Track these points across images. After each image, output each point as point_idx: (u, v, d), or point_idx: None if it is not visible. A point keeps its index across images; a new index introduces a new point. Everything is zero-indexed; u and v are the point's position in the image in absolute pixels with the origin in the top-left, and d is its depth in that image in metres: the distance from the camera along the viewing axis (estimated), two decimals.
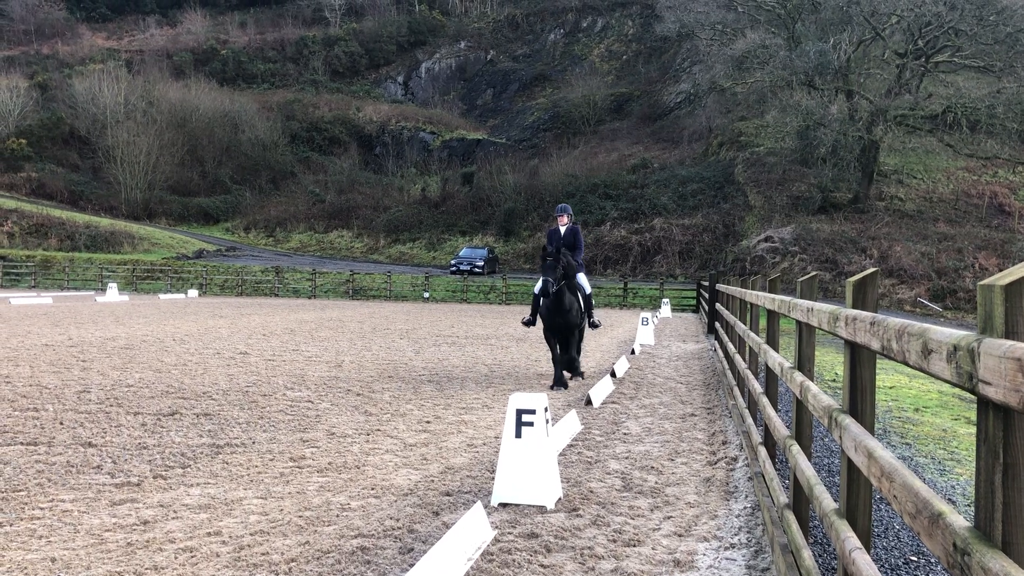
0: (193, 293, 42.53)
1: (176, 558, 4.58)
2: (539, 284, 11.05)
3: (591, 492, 6.10)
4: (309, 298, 43.16)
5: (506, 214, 55.17)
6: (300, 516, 5.38)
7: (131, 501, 5.58)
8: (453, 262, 47.93)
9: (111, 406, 9.17)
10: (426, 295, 41.46)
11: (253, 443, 7.54)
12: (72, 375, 11.49)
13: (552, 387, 11.28)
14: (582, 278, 11.79)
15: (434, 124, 74.80)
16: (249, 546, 4.80)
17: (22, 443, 7.32)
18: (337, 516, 5.42)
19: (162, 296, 39.71)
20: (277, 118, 73.00)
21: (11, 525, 5.10)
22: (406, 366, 13.61)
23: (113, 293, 36.64)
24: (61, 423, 8.12)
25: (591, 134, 67.52)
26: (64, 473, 6.32)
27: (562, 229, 11.91)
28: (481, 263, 47.02)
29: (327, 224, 62.22)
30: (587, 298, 11.89)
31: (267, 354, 14.88)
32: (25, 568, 4.38)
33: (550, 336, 11.55)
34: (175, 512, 5.39)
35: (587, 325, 12.20)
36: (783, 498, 4.83)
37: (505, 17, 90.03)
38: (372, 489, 6.09)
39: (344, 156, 70.49)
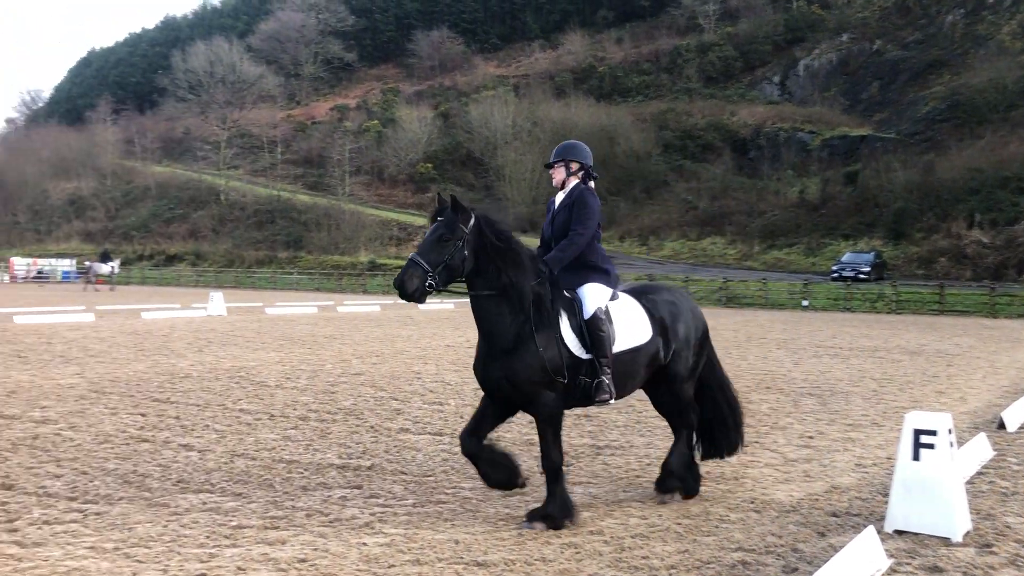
0: None
1: (562, 552, 4.80)
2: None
3: (1008, 528, 5.35)
4: None
5: (895, 215, 50.87)
6: (679, 524, 5.37)
7: (521, 494, 5.95)
8: (835, 268, 45.24)
9: None
10: (805, 303, 39.62)
11: (631, 447, 7.70)
12: (469, 373, 12.64)
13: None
14: (587, 291, 5.62)
15: (813, 123, 71.34)
16: (630, 548, 4.88)
17: (430, 433, 8.18)
18: (716, 527, 5.32)
19: None
20: (650, 129, 74.45)
21: (422, 507, 5.70)
22: (784, 377, 13.06)
23: None
24: (461, 417, 8.92)
25: (1000, 122, 59.88)
26: (464, 464, 6.93)
27: (558, 198, 6.00)
28: (867, 269, 43.85)
29: (700, 231, 62.10)
30: (590, 332, 5.46)
31: None
32: (434, 547, 4.87)
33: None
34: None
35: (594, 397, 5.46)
36: None
37: (893, 3, 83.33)
38: (751, 503, 5.90)
39: (717, 162, 69.88)
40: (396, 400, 10.16)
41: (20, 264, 63.97)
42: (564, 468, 5.44)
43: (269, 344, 16.72)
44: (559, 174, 5.97)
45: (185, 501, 5.74)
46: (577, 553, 4.79)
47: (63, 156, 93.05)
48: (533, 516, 5.30)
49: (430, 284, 5.26)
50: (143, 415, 8.85)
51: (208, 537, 4.98)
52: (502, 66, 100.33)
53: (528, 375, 5.27)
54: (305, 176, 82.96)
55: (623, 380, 5.59)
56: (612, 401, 5.48)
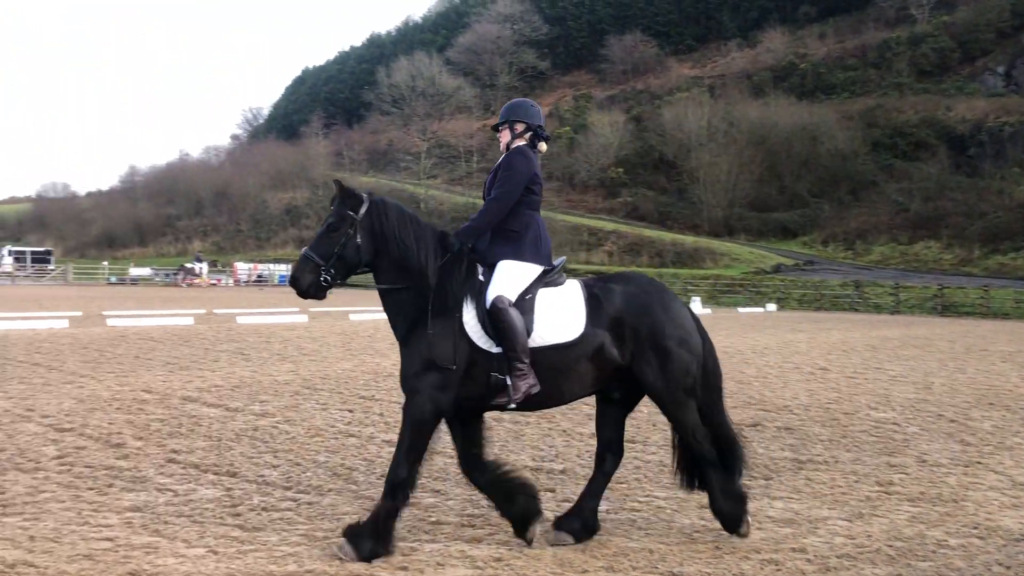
0: (771, 307, 43.19)
1: (762, 568, 4.61)
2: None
3: None
4: (891, 314, 40.79)
5: None
6: (890, 545, 5.02)
7: (702, 505, 5.76)
8: None
9: None
10: None
11: (836, 462, 7.29)
12: None
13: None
14: (497, 272, 4.94)
15: None
16: (835, 568, 4.62)
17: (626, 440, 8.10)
18: (933, 552, 4.93)
19: (741, 310, 41.06)
20: (857, 127, 70.63)
21: (615, 514, 5.65)
22: (1010, 393, 11.96)
23: (696, 306, 39.00)
24: (654, 425, 8.79)
25: None
26: (657, 472, 6.82)
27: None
28: None
29: (911, 235, 58.22)
30: (491, 322, 4.79)
31: (847, 371, 14.36)
32: (627, 554, 4.81)
33: None
34: (759, 523, 5.43)
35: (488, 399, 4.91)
36: None
37: None
38: (974, 528, 5.42)
39: (931, 161, 65.16)
40: (588, 405, 10.13)
41: (242, 269, 69.48)
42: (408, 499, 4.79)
43: None
44: (505, 137, 5.28)
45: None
46: (778, 570, 4.58)
47: (280, 169, 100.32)
48: (346, 532, 4.65)
49: (325, 279, 4.89)
50: (350, 411, 9.34)
51: (409, 531, 5.17)
52: (696, 67, 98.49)
53: (413, 368, 4.73)
54: None
55: (554, 381, 4.84)
56: (512, 405, 4.77)
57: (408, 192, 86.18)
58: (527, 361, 4.72)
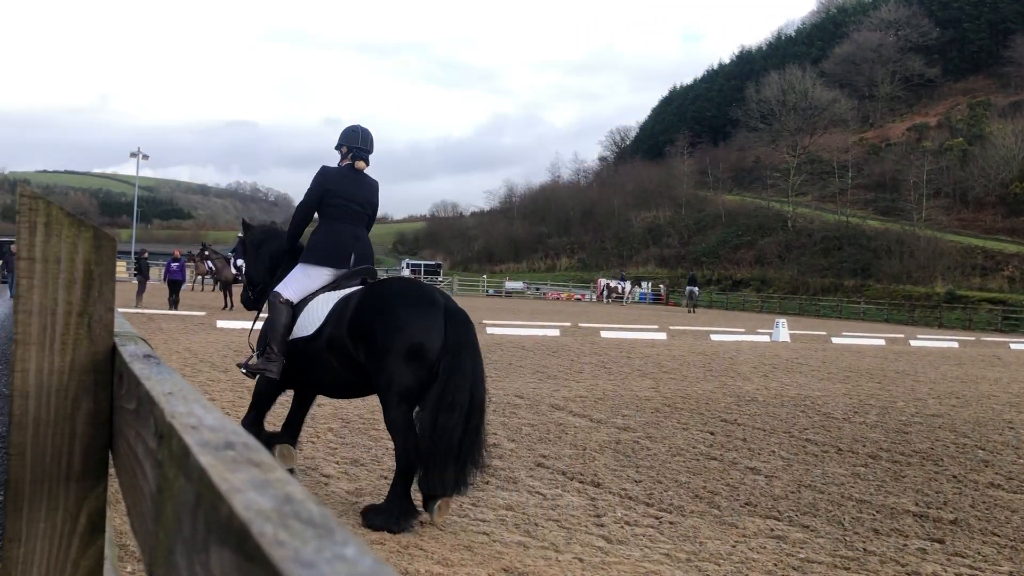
0: None
1: None
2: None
3: None
4: None
5: None
6: None
7: None
8: None
9: None
10: None
11: None
12: None
13: None
14: (291, 272, 5.83)
15: None
16: None
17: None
18: None
19: None
20: None
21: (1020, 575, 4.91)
22: None
23: None
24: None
25: None
26: None
27: None
28: None
29: None
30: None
31: None
32: None
33: None
34: None
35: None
36: None
37: None
38: None
39: None
40: (982, 450, 9.01)
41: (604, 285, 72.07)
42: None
43: (835, 375, 16.19)
44: (338, 158, 6.01)
45: (752, 524, 5.75)
46: None
47: (644, 188, 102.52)
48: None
49: (250, 294, 6.33)
50: (711, 433, 9.17)
51: (775, 565, 4.90)
52: None
53: None
54: (876, 201, 79.27)
55: (307, 368, 5.50)
56: (243, 370, 5.67)
57: (774, 210, 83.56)
58: (276, 349, 5.43)
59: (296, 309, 5.57)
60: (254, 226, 6.69)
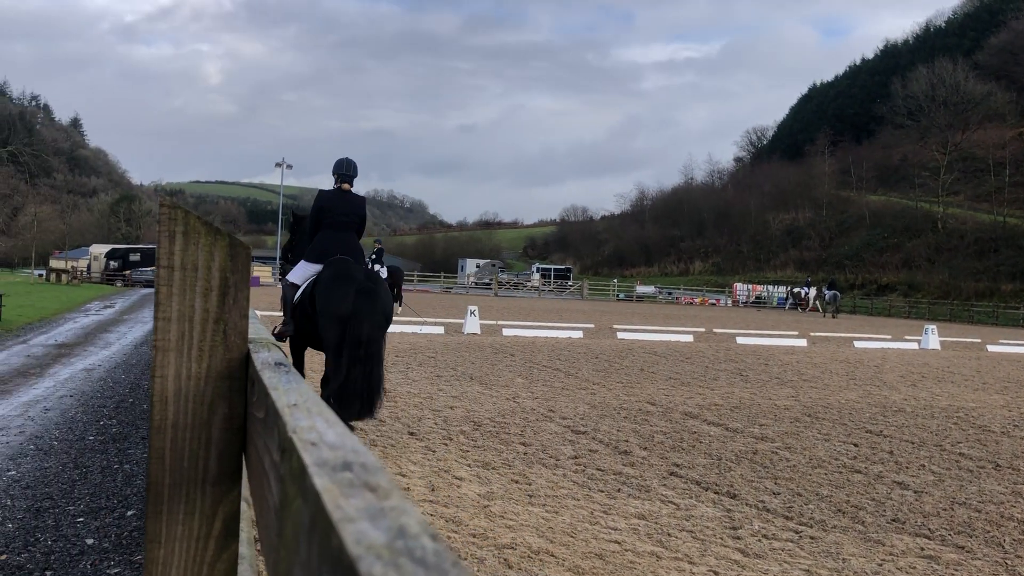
0: None
1: None
2: None
3: None
4: None
5: None
6: None
7: None
8: None
9: None
10: None
11: None
12: None
13: None
14: (297, 265, 8.10)
15: None
16: None
17: None
18: None
19: None
20: None
21: None
22: None
23: None
24: None
25: None
26: None
27: None
28: None
29: None
30: None
31: None
32: None
33: None
34: None
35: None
36: None
37: None
38: None
39: None
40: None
41: (741, 289, 70.21)
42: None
43: (991, 385, 15.18)
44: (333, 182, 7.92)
45: (900, 542, 5.43)
46: None
47: (782, 189, 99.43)
48: None
49: (286, 266, 8.52)
50: (855, 445, 8.74)
51: None
52: None
53: None
54: None
55: (301, 323, 7.40)
56: (274, 335, 6.95)
57: (922, 211, 79.42)
58: (285, 317, 7.61)
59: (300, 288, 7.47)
60: (302, 218, 8.65)
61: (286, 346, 7.79)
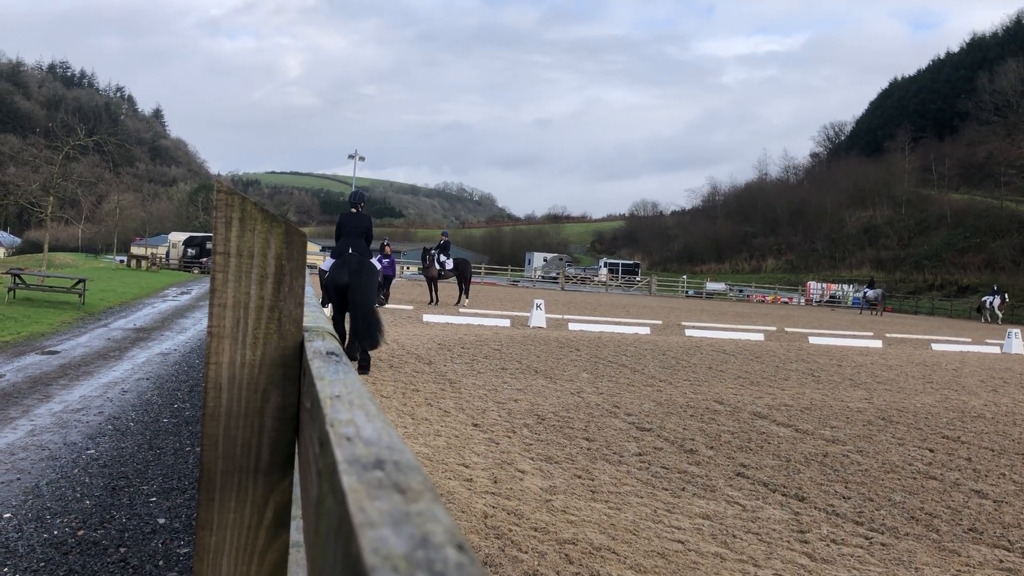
0: None
1: None
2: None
3: None
4: None
5: None
6: None
7: None
8: None
9: None
10: None
11: None
12: None
13: None
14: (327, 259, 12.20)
15: None
16: None
17: None
18: None
19: None
20: None
21: None
22: None
23: None
24: None
25: None
26: None
27: None
28: None
29: None
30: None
31: None
32: None
33: None
34: None
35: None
36: None
37: None
38: None
39: None
40: None
41: (815, 288, 68.69)
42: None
43: None
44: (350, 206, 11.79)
45: (977, 553, 5.22)
46: None
47: (860, 186, 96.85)
48: None
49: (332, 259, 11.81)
50: (931, 450, 8.45)
51: None
52: None
53: None
54: None
55: (338, 293, 10.92)
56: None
57: (1009, 210, 76.54)
58: (324, 293, 11.38)
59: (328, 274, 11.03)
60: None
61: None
